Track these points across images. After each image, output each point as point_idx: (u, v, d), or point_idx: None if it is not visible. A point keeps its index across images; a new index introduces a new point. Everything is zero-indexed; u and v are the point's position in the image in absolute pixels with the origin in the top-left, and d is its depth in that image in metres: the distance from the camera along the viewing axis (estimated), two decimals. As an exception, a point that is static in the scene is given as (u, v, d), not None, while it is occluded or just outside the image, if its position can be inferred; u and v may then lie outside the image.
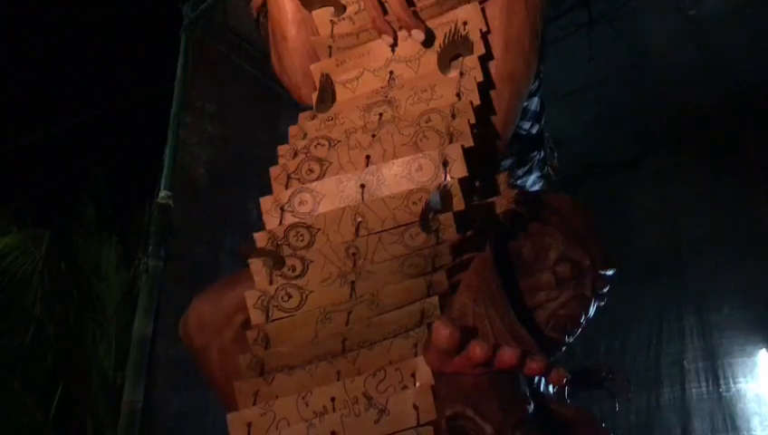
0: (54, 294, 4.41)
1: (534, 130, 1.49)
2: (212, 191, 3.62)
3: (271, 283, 0.98)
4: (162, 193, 3.32)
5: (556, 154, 1.65)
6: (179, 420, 3.11)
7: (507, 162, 1.43)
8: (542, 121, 1.51)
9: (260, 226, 1.01)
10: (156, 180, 3.44)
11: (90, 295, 4.54)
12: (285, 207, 0.99)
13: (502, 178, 1.05)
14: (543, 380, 1.14)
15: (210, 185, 3.64)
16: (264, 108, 3.68)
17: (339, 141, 1.03)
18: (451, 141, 0.97)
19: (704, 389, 4.48)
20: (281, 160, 1.05)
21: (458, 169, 0.94)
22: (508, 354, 0.87)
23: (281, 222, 0.99)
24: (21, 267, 4.35)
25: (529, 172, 1.53)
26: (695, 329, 4.62)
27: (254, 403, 0.94)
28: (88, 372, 4.24)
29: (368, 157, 1.00)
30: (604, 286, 1.26)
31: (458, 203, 0.94)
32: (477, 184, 1.02)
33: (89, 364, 4.28)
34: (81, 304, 4.49)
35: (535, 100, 1.45)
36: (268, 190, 1.03)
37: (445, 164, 0.95)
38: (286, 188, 1.01)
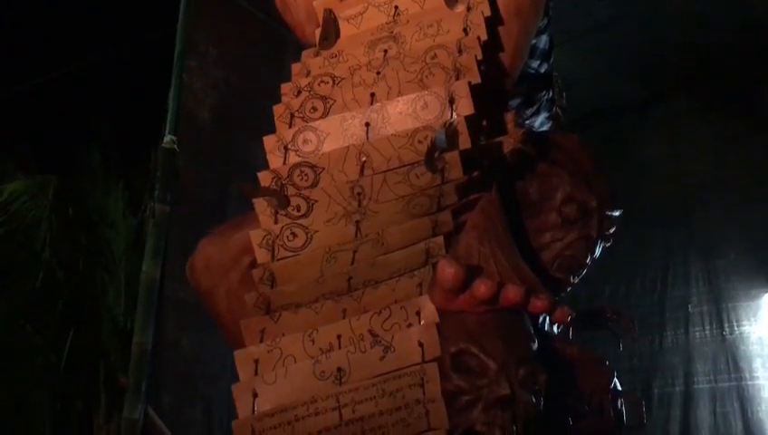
0: (63, 240, 4.43)
1: (543, 70, 1.45)
2: (217, 135, 3.60)
3: (276, 222, 0.97)
4: (167, 138, 3.30)
5: (565, 94, 1.62)
6: (188, 360, 3.17)
7: (515, 102, 1.40)
8: (551, 60, 1.48)
9: (266, 168, 1.00)
10: (161, 125, 3.41)
11: (98, 241, 4.56)
12: (289, 146, 0.98)
13: (509, 118, 1.03)
14: (548, 319, 1.14)
15: (215, 129, 3.61)
16: (268, 50, 3.62)
17: (343, 79, 1.02)
18: (458, 78, 0.95)
19: (707, 332, 4.51)
20: (284, 99, 1.04)
21: (465, 107, 0.93)
22: (513, 292, 0.87)
23: (285, 161, 0.98)
24: (29, 213, 4.36)
25: (537, 112, 1.50)
26: (700, 274, 4.61)
27: (261, 340, 0.95)
28: (98, 315, 4.29)
29: (372, 94, 0.99)
30: (610, 227, 1.26)
31: (464, 141, 0.93)
32: (484, 123, 1.00)
33: (99, 308, 4.33)
34: (89, 249, 4.52)
35: (544, 38, 1.41)
36: (273, 132, 1.01)
37: (451, 101, 0.93)
38: (290, 126, 1.00)
